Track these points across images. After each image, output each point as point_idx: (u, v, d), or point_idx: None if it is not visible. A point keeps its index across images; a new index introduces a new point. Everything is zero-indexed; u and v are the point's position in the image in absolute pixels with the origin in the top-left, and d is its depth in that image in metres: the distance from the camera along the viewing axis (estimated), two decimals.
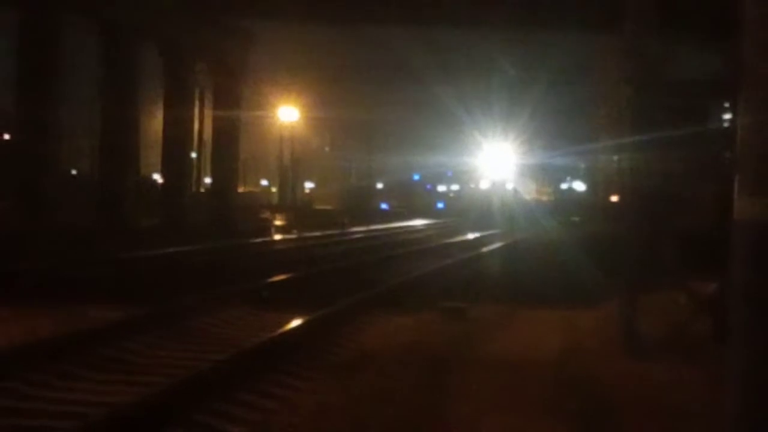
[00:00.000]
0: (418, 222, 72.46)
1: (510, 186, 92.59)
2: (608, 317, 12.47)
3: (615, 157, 43.98)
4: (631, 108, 11.61)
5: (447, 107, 68.24)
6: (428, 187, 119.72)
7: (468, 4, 36.83)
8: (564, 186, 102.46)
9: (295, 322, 13.21)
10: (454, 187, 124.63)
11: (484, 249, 34.48)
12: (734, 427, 4.06)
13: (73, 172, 54.93)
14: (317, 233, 44.04)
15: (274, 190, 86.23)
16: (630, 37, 11.71)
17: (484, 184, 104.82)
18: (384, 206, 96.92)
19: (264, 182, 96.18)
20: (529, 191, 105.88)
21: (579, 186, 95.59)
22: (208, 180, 55.87)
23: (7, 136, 53.50)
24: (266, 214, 58.51)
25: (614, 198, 43.32)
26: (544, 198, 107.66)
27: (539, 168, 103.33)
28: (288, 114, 67.26)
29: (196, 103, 47.32)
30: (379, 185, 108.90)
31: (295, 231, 46.36)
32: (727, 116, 26.71)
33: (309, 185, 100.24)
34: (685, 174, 16.39)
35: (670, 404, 8.88)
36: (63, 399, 9.06)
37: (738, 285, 3.94)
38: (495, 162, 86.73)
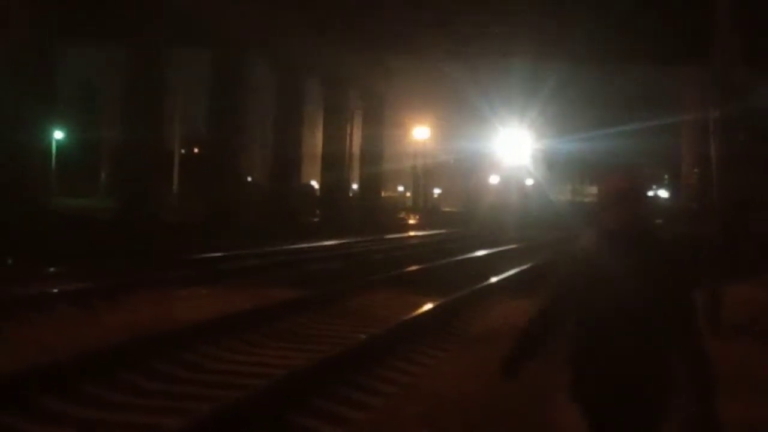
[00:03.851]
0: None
1: (531, 182, 67.79)
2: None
3: (695, 170, 42.88)
4: (717, 129, 11.37)
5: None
6: None
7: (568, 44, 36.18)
8: (650, 193, 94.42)
9: (431, 304, 13.24)
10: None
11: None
12: None
13: (249, 179, 55.98)
14: (444, 230, 43.97)
15: (408, 194, 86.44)
16: (717, 68, 11.47)
17: (494, 180, 76.82)
18: None
19: (400, 188, 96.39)
20: (561, 191, 77.28)
21: (663, 193, 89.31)
22: (354, 186, 56.29)
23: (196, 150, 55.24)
24: (403, 214, 58.82)
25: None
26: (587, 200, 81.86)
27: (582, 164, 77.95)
28: (420, 132, 67.53)
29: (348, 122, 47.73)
30: None
31: (426, 228, 46.46)
32: None
33: (437, 191, 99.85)
34: (761, 185, 15.94)
35: (748, 375, 8.65)
36: (251, 361, 9.27)
37: None
38: (517, 151, 60.69)
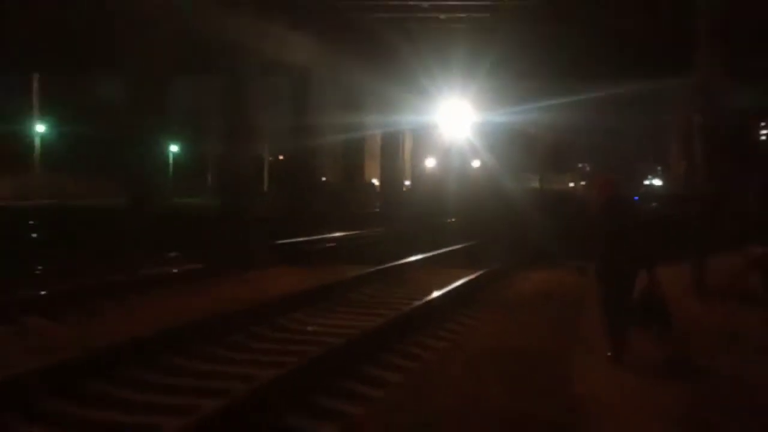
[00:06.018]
0: None
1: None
2: (684, 272, 11.89)
3: (684, 162, 41.92)
4: (701, 130, 11.15)
5: None
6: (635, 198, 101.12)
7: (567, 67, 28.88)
8: (647, 182, 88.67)
9: (471, 276, 13.22)
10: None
11: None
12: None
13: (323, 179, 56.06)
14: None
15: None
16: (700, 79, 11.25)
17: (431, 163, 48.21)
18: None
19: None
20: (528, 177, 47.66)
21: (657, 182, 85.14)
22: (407, 182, 55.87)
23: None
24: None
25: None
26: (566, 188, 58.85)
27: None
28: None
29: None
30: None
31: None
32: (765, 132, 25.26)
33: None
34: (737, 172, 15.50)
35: (727, 329, 8.51)
36: (328, 324, 9.35)
37: None
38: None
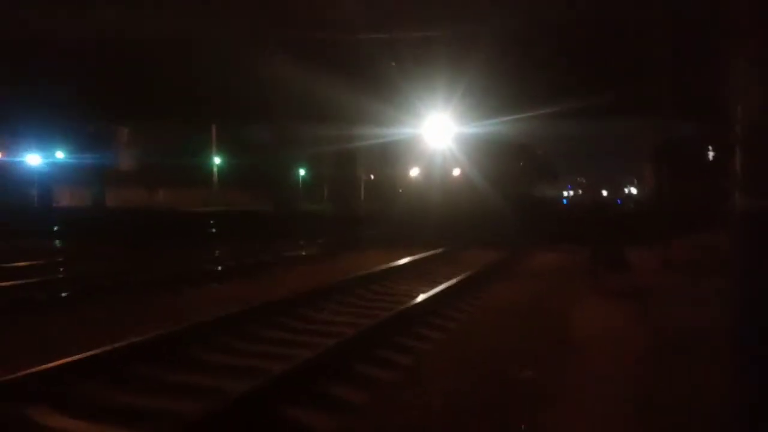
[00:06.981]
0: None
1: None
2: (652, 252, 11.44)
3: (654, 178, 39.96)
4: (661, 156, 10.82)
5: None
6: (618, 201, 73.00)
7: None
8: (626, 190, 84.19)
9: (501, 255, 13.08)
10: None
11: None
12: None
13: (400, 190, 55.70)
14: None
15: None
16: (660, 119, 10.93)
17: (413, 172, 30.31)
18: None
19: None
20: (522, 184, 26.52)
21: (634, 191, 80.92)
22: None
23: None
24: None
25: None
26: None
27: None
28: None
29: None
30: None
31: None
32: (711, 153, 23.96)
33: None
34: (679, 184, 14.60)
35: (683, 291, 8.24)
36: (401, 289, 9.32)
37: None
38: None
